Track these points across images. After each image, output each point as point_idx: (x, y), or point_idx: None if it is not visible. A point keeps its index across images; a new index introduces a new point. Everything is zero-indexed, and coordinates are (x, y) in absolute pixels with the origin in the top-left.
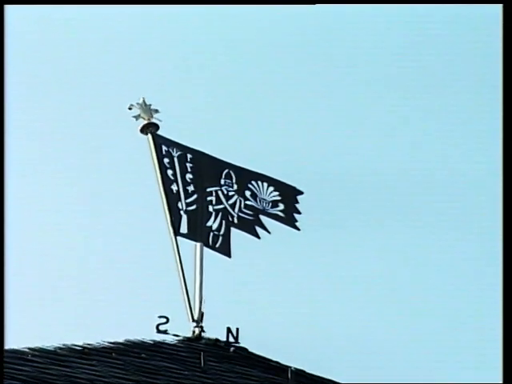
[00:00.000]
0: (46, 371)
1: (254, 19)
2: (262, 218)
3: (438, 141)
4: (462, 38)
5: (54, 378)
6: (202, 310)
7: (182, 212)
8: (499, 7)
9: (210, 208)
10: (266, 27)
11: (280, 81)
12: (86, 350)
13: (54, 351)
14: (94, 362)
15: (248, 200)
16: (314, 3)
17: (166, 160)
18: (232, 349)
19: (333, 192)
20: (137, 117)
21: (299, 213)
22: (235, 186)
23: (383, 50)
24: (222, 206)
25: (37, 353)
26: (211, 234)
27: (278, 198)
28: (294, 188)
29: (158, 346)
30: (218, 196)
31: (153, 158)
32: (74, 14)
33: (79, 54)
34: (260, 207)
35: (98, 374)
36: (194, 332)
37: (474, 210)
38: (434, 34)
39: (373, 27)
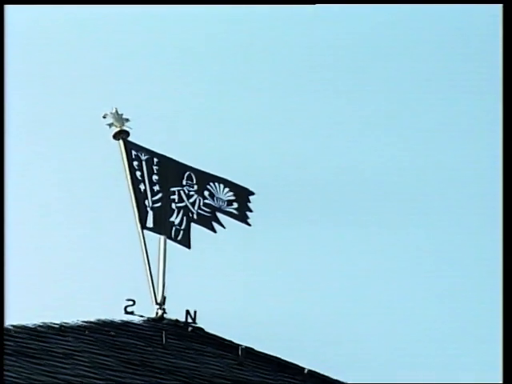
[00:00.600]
0: (27, 345)
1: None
2: (219, 214)
3: (390, 140)
4: (461, 38)
5: (34, 351)
6: (165, 294)
7: (148, 208)
8: (499, 7)
9: (173, 205)
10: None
11: (237, 92)
12: (62, 328)
13: (35, 328)
14: (69, 338)
15: (206, 199)
16: (314, 3)
17: (135, 163)
18: (190, 328)
19: (284, 192)
20: (110, 124)
21: (251, 211)
22: (195, 187)
23: (382, 50)
24: (183, 204)
25: (19, 329)
26: (173, 228)
27: (233, 197)
28: (246, 189)
29: (125, 325)
30: (180, 195)
31: (123, 161)
32: (74, 13)
33: (79, 54)
34: (217, 205)
35: (72, 348)
36: (157, 313)
37: (418, 205)
38: (434, 33)
39: (373, 27)
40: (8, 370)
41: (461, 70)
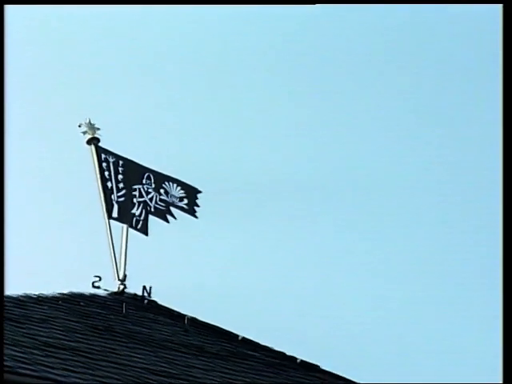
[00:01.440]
0: (11, 312)
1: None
2: (172, 208)
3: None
4: (461, 38)
5: (17, 316)
6: (125, 272)
7: (114, 202)
8: (499, 7)
9: (134, 200)
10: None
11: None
12: (40, 298)
13: (17, 298)
14: (45, 307)
15: (161, 195)
16: (314, 3)
17: (104, 164)
18: (146, 301)
19: (227, 190)
20: (84, 132)
21: (198, 206)
22: (153, 185)
23: (381, 50)
24: (143, 199)
25: (4, 299)
26: (134, 218)
27: (184, 194)
28: (195, 188)
29: (92, 297)
30: (140, 192)
31: (94, 163)
32: (75, 13)
33: (78, 55)
34: (170, 201)
35: (48, 315)
36: (119, 288)
37: (352, 201)
38: (434, 33)
39: (372, 27)
40: None
41: (461, 69)
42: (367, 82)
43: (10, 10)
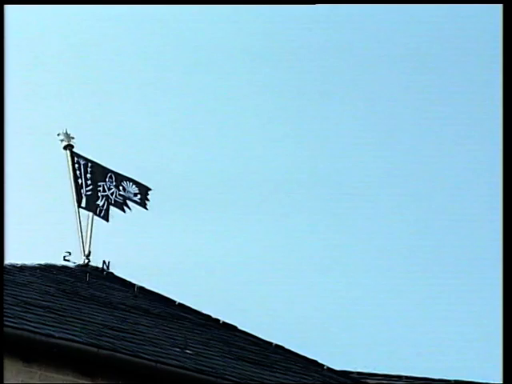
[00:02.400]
0: None
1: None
2: (128, 202)
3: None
4: (461, 38)
5: (5, 282)
6: (90, 249)
7: (83, 195)
8: (499, 7)
9: (99, 194)
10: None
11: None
12: (22, 267)
13: (5, 266)
14: (26, 274)
15: (120, 191)
16: (314, 3)
17: (76, 166)
18: (105, 273)
19: (174, 187)
20: (61, 140)
21: (148, 200)
22: (114, 183)
23: (381, 49)
24: (105, 194)
25: None
26: (98, 208)
27: (137, 191)
28: (146, 186)
29: (64, 267)
30: (103, 188)
31: (69, 164)
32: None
33: (78, 54)
34: (127, 196)
35: (28, 280)
36: (84, 261)
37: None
38: (434, 33)
39: (372, 27)
40: None
41: (460, 68)
42: (339, 83)
43: (9, 10)
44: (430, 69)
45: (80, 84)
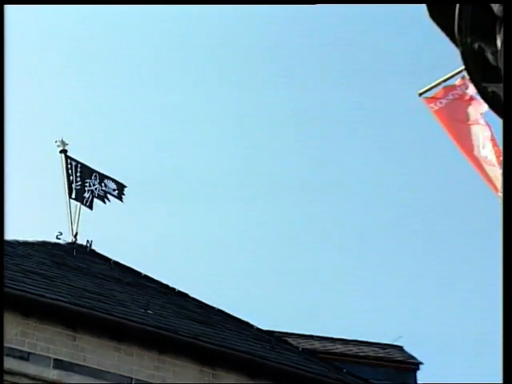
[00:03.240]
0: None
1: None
2: (108, 195)
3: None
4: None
5: (8, 252)
6: (77, 231)
7: (73, 189)
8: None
9: (86, 189)
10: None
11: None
12: (24, 242)
13: (10, 241)
14: (27, 248)
15: (102, 187)
16: (314, 3)
17: (68, 166)
18: (87, 249)
19: (151, 184)
20: (58, 146)
21: (123, 194)
22: (97, 181)
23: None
24: (91, 188)
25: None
26: (85, 199)
27: (116, 187)
28: (122, 184)
29: (56, 244)
30: (89, 184)
31: (63, 165)
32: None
33: (78, 54)
34: (107, 190)
35: (28, 253)
36: (72, 240)
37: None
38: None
39: (366, 26)
40: None
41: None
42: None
43: (9, 10)
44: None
45: (74, 93)
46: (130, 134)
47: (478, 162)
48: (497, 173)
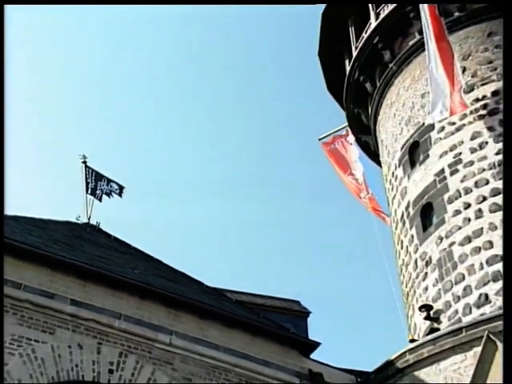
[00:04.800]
0: (32, 225)
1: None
2: (112, 193)
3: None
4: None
5: (42, 228)
6: (90, 215)
7: (89, 187)
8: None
9: (98, 188)
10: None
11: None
12: (53, 221)
13: (45, 220)
14: (56, 225)
15: (109, 187)
16: (314, 3)
17: (87, 172)
18: (96, 228)
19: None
20: (81, 158)
21: (122, 192)
22: (105, 183)
23: None
24: (101, 188)
25: (19, 219)
26: (96, 195)
27: (117, 187)
28: (121, 185)
29: (75, 223)
30: (100, 185)
31: (82, 171)
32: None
33: (78, 54)
34: (112, 189)
35: (56, 228)
36: (86, 221)
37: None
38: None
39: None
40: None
41: None
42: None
43: (9, 9)
44: None
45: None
46: (132, 146)
47: (350, 185)
48: (361, 193)
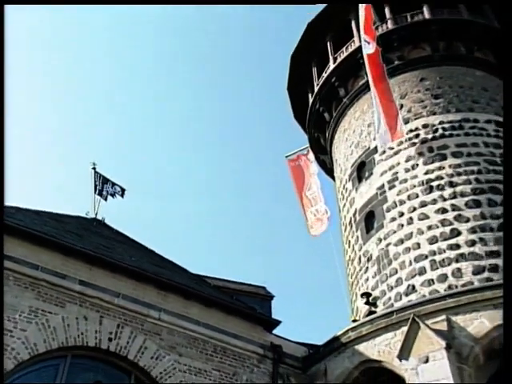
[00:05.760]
0: (47, 217)
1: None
2: (116, 194)
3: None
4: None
5: (49, 220)
6: (97, 211)
7: (97, 189)
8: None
9: (104, 190)
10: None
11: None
12: (67, 215)
13: (59, 214)
14: (69, 219)
15: (113, 189)
16: (314, 3)
17: (96, 176)
18: (102, 222)
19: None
20: (91, 164)
21: (124, 194)
22: (110, 185)
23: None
24: (107, 189)
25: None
26: (103, 195)
27: (120, 190)
28: (123, 188)
29: (84, 218)
30: (106, 187)
31: (92, 176)
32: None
33: (79, 54)
34: (116, 191)
35: (68, 221)
36: (94, 216)
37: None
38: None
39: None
40: (15, 219)
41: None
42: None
43: (9, 9)
44: None
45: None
46: (134, 152)
47: (305, 201)
48: (312, 209)
